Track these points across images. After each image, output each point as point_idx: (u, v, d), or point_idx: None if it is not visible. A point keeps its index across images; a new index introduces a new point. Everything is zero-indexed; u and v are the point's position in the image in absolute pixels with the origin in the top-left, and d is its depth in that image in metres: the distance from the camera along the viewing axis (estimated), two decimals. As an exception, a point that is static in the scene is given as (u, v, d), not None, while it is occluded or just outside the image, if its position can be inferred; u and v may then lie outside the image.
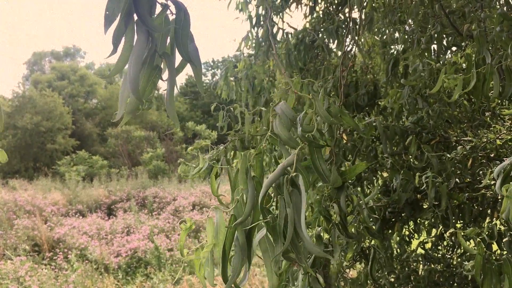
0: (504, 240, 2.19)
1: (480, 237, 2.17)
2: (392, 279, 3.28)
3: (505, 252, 2.24)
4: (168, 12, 1.00)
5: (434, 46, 3.01)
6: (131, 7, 0.91)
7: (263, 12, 4.08)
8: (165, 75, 1.02)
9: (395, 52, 3.70)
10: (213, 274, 1.23)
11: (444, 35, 3.11)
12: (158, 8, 0.99)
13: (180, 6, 0.99)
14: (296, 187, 1.12)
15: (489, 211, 2.99)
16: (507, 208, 1.76)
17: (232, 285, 1.17)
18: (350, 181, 2.25)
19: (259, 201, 1.13)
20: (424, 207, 2.79)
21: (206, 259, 1.23)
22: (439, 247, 3.47)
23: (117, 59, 0.94)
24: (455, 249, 3.38)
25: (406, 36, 3.22)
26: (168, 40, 1.03)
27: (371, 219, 2.10)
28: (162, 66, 1.02)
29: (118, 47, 0.94)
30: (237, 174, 1.27)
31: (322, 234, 2.07)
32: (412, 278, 3.28)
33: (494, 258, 1.88)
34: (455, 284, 3.18)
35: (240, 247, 1.17)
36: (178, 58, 1.04)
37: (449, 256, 3.41)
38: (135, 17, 0.93)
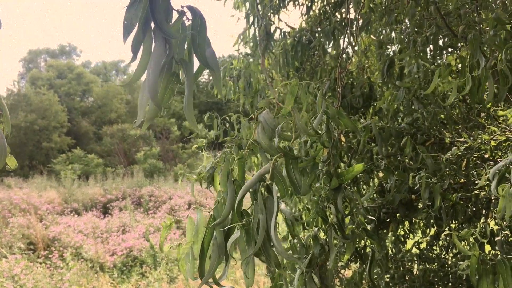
0: (496, 239, 2.21)
1: (473, 237, 2.20)
2: (387, 279, 3.30)
3: (499, 252, 2.27)
4: (184, 18, 1.01)
5: (431, 47, 3.02)
6: (149, 15, 0.92)
7: (261, 11, 4.08)
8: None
9: (391, 53, 3.72)
10: (193, 268, 1.31)
11: (441, 36, 3.13)
12: (175, 15, 1.00)
13: (196, 12, 1.01)
14: (271, 194, 1.19)
15: (483, 212, 3.02)
16: (503, 208, 1.79)
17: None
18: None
19: (236, 205, 1.20)
20: (419, 207, 2.81)
21: (186, 255, 1.32)
22: (434, 247, 3.49)
23: (135, 66, 0.96)
24: (450, 249, 3.41)
25: (403, 36, 3.23)
26: (185, 46, 1.05)
27: (366, 220, 2.11)
28: (180, 72, 1.04)
29: (138, 54, 0.95)
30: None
31: (318, 234, 2.08)
32: (407, 278, 3.30)
33: (488, 258, 1.89)
34: (450, 284, 3.21)
35: (218, 245, 1.22)
36: (196, 63, 1.05)
37: (444, 256, 3.43)
38: (153, 25, 0.94)
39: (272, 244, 1.16)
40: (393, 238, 3.36)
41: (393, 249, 3.45)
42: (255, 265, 1.23)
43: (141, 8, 0.91)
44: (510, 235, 2.50)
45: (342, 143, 2.40)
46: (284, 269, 2.11)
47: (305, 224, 2.37)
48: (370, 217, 2.10)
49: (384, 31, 3.86)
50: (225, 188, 1.27)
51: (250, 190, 1.23)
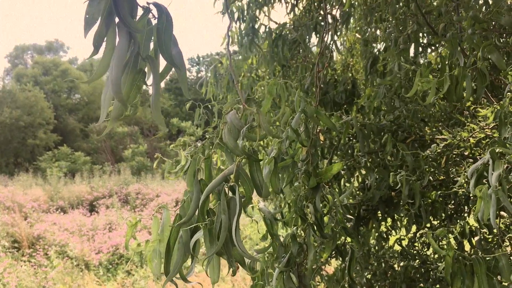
0: (476, 238, 2.23)
1: (452, 236, 2.21)
2: (369, 276, 3.32)
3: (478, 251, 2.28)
4: (150, 16, 0.98)
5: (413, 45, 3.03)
6: (112, 9, 0.89)
7: (246, 7, 4.05)
8: (149, 80, 1.01)
9: (375, 51, 3.72)
10: (160, 266, 1.30)
11: (425, 34, 3.14)
12: (140, 12, 0.97)
13: (162, 9, 0.97)
14: (235, 195, 1.19)
15: (466, 208, 3.04)
16: (481, 209, 1.80)
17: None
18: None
19: (200, 205, 1.20)
20: (400, 203, 2.82)
21: (153, 253, 1.31)
22: (415, 244, 3.52)
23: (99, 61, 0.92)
24: (431, 246, 3.43)
25: (386, 35, 3.24)
26: (152, 45, 1.02)
27: (345, 218, 2.11)
28: (146, 70, 1.00)
29: (100, 49, 0.91)
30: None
31: (297, 233, 2.07)
32: (388, 275, 3.32)
33: (465, 257, 1.90)
34: (430, 280, 3.23)
35: (183, 244, 1.22)
36: (163, 62, 1.02)
37: (425, 253, 3.46)
38: (117, 19, 0.91)
39: (234, 244, 1.15)
40: (376, 234, 3.38)
41: (376, 246, 3.47)
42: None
43: (104, 1, 0.88)
44: (488, 233, 2.52)
45: (321, 141, 2.40)
46: (261, 269, 2.10)
47: (285, 223, 2.37)
48: (349, 216, 2.10)
49: (369, 29, 3.86)
50: (191, 188, 1.25)
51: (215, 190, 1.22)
